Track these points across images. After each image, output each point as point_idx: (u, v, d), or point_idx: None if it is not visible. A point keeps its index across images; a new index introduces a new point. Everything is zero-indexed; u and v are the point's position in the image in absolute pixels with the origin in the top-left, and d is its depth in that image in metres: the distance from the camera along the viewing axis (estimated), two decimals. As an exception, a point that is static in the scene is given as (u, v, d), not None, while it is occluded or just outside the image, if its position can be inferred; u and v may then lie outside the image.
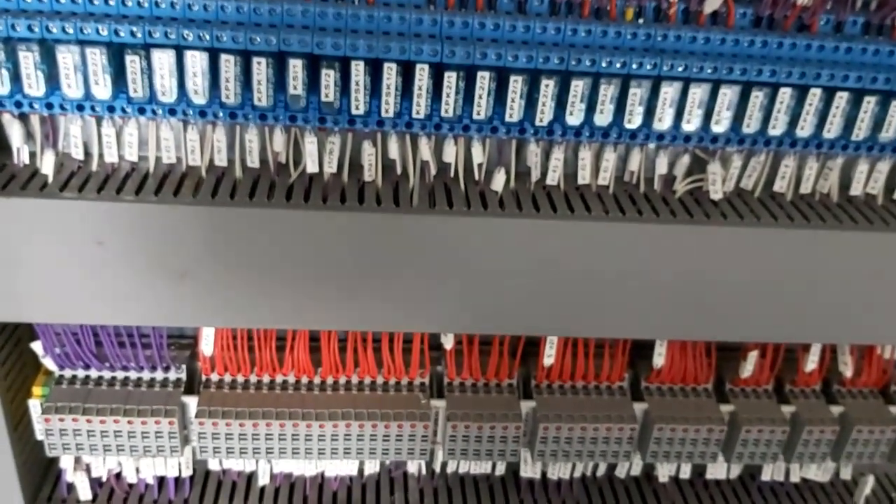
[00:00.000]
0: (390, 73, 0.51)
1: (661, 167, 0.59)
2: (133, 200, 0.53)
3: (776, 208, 0.59)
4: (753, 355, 0.70)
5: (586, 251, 0.56)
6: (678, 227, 0.56)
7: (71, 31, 0.48)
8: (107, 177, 0.55)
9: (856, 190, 0.60)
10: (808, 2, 0.53)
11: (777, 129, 0.55)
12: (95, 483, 0.70)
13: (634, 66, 0.51)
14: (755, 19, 0.54)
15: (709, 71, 0.51)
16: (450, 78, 0.51)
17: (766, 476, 0.77)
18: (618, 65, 0.51)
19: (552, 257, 0.56)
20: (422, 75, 0.51)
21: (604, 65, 0.51)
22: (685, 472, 0.77)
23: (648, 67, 0.51)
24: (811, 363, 0.71)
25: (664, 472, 0.76)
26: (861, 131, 0.55)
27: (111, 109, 0.52)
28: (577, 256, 0.56)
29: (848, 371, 0.72)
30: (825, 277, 0.58)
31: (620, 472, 0.77)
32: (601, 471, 0.76)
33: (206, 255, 0.54)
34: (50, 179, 0.54)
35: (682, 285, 0.58)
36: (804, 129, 0.55)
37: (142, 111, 0.52)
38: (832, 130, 0.55)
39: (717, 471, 0.76)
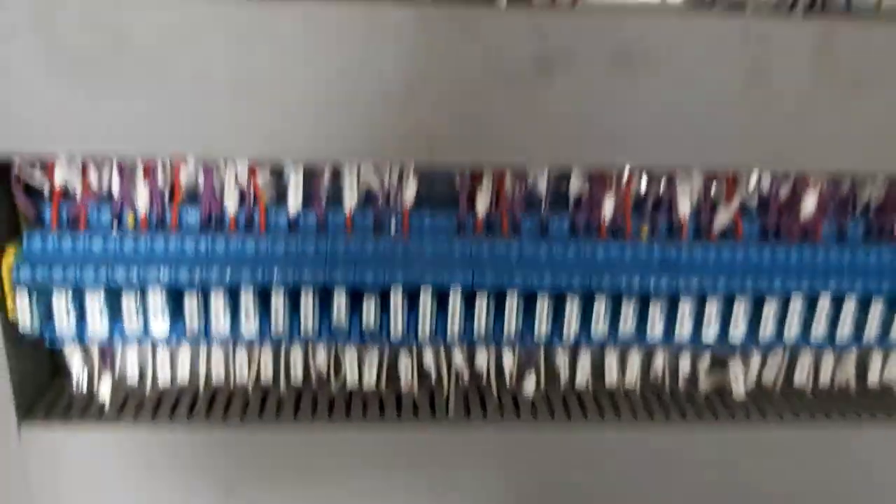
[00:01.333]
0: (426, 297, 0.55)
1: (684, 368, 0.62)
2: (185, 426, 0.56)
3: (796, 403, 0.62)
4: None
5: (621, 459, 0.59)
6: (703, 426, 0.59)
7: (134, 279, 0.52)
8: (159, 399, 0.59)
9: (872, 378, 0.63)
10: (810, 215, 0.57)
11: (791, 332, 0.58)
12: None
13: (652, 285, 0.55)
14: (762, 229, 0.58)
15: (722, 286, 0.55)
16: (481, 302, 0.55)
17: None
18: (636, 285, 0.55)
19: (586, 464, 0.59)
20: (455, 298, 0.55)
21: (623, 285, 0.55)
22: None
23: (665, 286, 0.55)
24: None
25: None
26: (872, 331, 0.58)
27: (167, 340, 0.56)
28: (613, 464, 0.59)
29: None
30: (849, 475, 0.61)
31: None
32: None
33: (251, 472, 0.57)
34: (107, 407, 0.57)
35: (709, 486, 0.60)
36: (817, 332, 0.58)
37: (196, 341, 0.56)
38: (844, 332, 0.58)
39: None
